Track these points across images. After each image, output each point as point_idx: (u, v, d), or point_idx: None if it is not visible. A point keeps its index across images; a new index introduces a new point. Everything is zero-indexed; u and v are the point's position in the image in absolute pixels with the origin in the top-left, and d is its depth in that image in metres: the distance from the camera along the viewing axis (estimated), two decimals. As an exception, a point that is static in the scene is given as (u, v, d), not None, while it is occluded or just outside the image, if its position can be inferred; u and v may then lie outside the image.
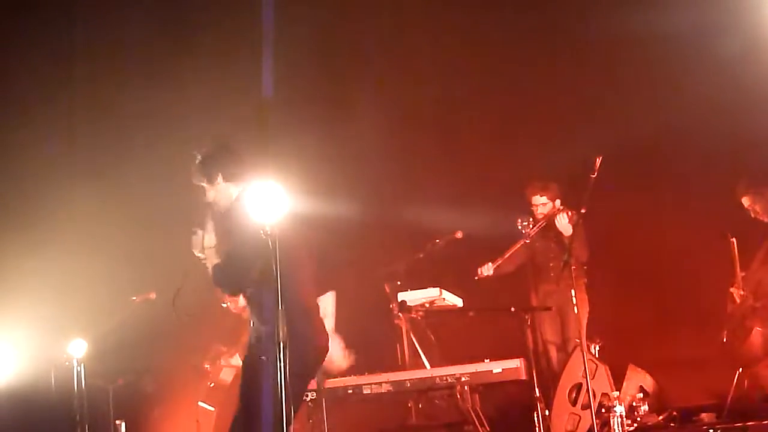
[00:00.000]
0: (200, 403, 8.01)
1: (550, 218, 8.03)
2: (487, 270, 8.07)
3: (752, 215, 7.55)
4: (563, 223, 7.86)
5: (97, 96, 9.53)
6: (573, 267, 6.79)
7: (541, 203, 8.19)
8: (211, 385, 8.25)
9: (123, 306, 7.92)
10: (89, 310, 7.76)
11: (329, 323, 5.53)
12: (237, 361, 8.10)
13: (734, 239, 7.55)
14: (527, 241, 8.07)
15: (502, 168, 9.02)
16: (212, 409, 8.14)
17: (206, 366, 8.29)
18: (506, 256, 8.04)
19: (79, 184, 9.10)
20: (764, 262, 7.60)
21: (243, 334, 7.87)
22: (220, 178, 5.27)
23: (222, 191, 5.29)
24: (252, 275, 5.02)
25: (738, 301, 7.57)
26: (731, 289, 7.58)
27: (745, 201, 7.58)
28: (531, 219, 8.12)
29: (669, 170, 8.71)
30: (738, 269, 7.55)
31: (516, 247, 8.04)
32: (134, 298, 7.87)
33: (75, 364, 7.24)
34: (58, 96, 9.45)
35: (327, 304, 5.60)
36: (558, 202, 8.17)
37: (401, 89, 9.41)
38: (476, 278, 8.10)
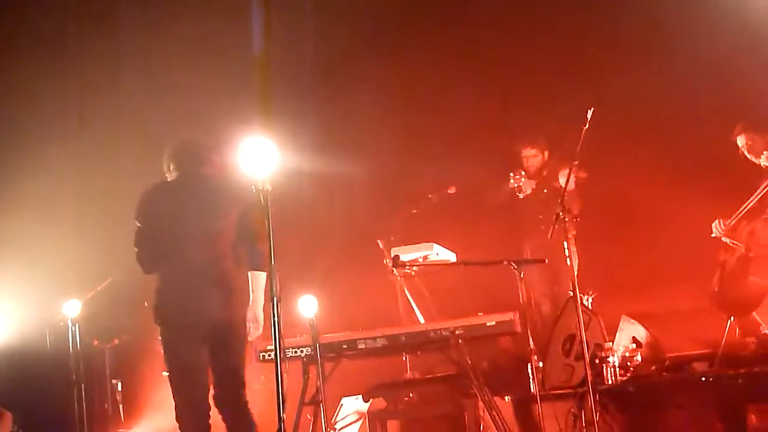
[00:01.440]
0: (165, 373, 8.03)
1: (540, 173, 8.07)
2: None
3: (747, 154, 7.51)
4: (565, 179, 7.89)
5: (92, 49, 9.46)
6: (566, 219, 6.80)
7: (531, 155, 8.22)
8: None
9: (117, 265, 7.91)
10: (83, 270, 7.77)
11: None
12: None
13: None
14: (519, 191, 8.16)
15: (496, 122, 9.02)
16: None
17: None
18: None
19: (72, 145, 9.08)
20: (757, 210, 7.59)
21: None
22: (172, 167, 5.91)
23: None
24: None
25: (730, 250, 7.59)
26: (723, 239, 7.59)
27: (740, 140, 7.54)
28: (523, 172, 8.14)
29: (662, 121, 8.70)
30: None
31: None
32: None
33: (70, 325, 7.26)
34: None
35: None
36: (547, 153, 8.19)
37: (396, 45, 9.36)
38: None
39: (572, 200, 7.70)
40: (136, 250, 5.82)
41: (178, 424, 5.75)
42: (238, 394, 5.83)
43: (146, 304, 6.90)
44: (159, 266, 5.77)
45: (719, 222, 7.54)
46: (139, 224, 5.81)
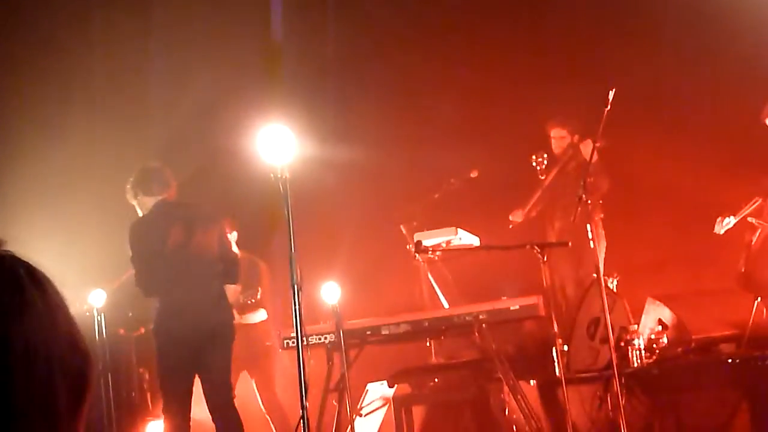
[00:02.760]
0: None
1: (566, 155, 8.04)
2: (518, 217, 8.20)
3: None
4: (587, 150, 7.85)
5: (94, 35, 9.49)
6: (588, 202, 6.76)
7: (560, 136, 8.19)
8: None
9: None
10: (108, 259, 7.80)
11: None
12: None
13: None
14: (541, 174, 8.13)
15: (517, 106, 8.97)
16: None
17: None
18: (531, 204, 8.16)
19: (99, 132, 9.12)
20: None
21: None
22: (140, 194, 6.35)
23: (142, 204, 6.39)
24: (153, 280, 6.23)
25: (756, 230, 7.51)
26: (749, 219, 7.51)
27: None
28: (546, 155, 8.10)
29: (687, 100, 8.62)
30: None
31: (538, 195, 8.15)
32: None
33: (95, 314, 7.29)
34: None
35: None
36: (576, 137, 8.14)
37: (416, 31, 9.33)
38: (510, 227, 8.22)
39: (599, 176, 7.62)
40: (135, 276, 6.34)
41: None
42: (227, 399, 6.29)
43: (130, 314, 7.18)
44: (158, 291, 6.28)
45: (720, 220, 7.50)
46: (132, 253, 6.30)
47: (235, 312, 7.78)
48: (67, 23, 9.35)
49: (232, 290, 6.58)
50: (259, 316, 8.19)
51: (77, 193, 8.84)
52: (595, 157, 7.55)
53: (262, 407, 8.17)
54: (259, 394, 8.16)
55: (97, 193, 8.69)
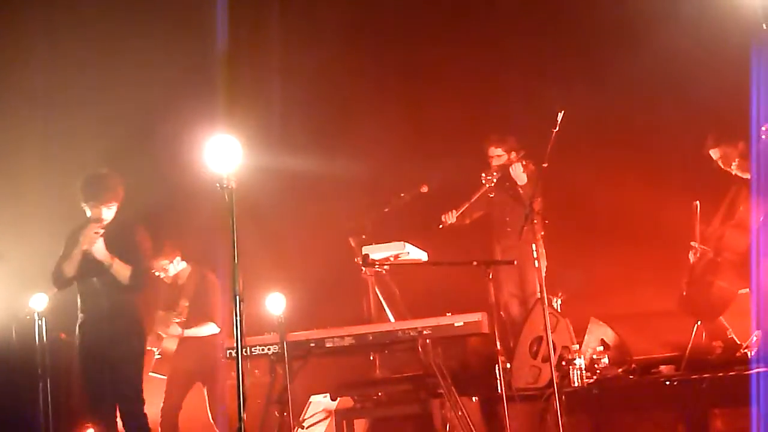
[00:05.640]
0: (151, 373, 8.05)
1: (505, 168, 8.12)
2: (450, 218, 8.20)
3: (722, 165, 7.55)
4: (517, 172, 7.98)
5: (54, 37, 9.39)
6: (534, 221, 6.82)
7: (497, 155, 8.27)
8: (158, 356, 8.28)
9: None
10: (50, 263, 7.71)
11: None
12: (176, 329, 8.13)
13: (698, 203, 7.60)
14: (490, 192, 8.17)
15: (469, 123, 9.03)
16: (163, 377, 8.19)
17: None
18: (467, 205, 8.17)
19: (35, 138, 9.01)
20: (726, 216, 7.64)
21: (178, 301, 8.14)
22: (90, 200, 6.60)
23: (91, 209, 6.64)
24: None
25: (699, 255, 7.63)
26: (692, 243, 7.63)
27: (714, 153, 7.58)
28: (495, 172, 8.19)
29: (632, 126, 8.74)
30: (698, 231, 7.61)
31: (477, 195, 8.16)
32: None
33: (36, 318, 7.19)
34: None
35: None
36: (514, 154, 8.23)
37: (363, 41, 9.34)
38: (440, 227, 8.21)
39: (531, 196, 7.70)
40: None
41: None
42: (138, 408, 6.55)
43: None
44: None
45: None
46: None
47: (173, 327, 7.90)
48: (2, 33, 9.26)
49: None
50: (208, 329, 8.17)
51: (18, 198, 8.73)
52: (522, 171, 7.71)
53: (210, 419, 8.14)
54: (211, 406, 8.15)
55: (38, 198, 8.60)
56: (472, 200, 8.26)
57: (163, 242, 8.11)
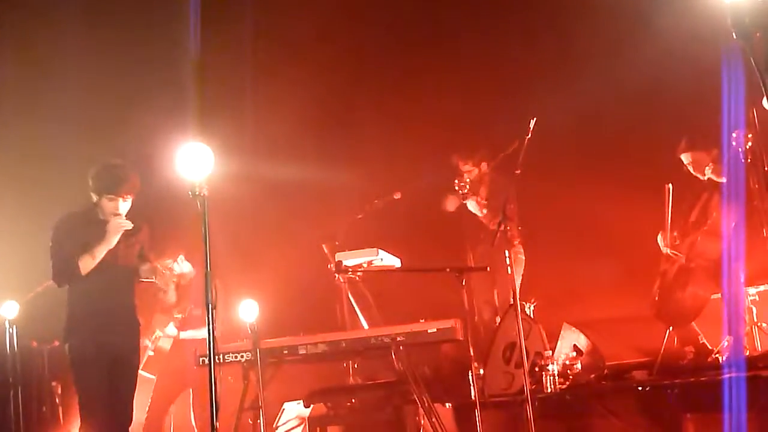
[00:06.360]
0: (141, 372, 7.99)
1: (475, 180, 8.23)
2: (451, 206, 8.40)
3: (693, 171, 7.60)
4: (472, 207, 8.13)
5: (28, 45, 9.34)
6: (507, 228, 6.85)
7: (467, 170, 8.34)
8: (151, 353, 8.23)
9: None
10: (21, 270, 7.65)
11: None
12: (172, 330, 8.08)
13: (670, 186, 7.60)
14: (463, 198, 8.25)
15: (442, 130, 9.05)
16: (153, 377, 8.13)
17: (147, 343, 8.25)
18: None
19: (9, 142, 8.95)
20: (698, 222, 7.68)
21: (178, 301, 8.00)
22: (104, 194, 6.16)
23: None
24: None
25: (671, 260, 7.67)
26: (664, 249, 7.66)
27: (685, 158, 7.62)
28: (467, 179, 8.25)
29: (605, 133, 8.79)
30: (669, 217, 7.63)
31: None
32: None
33: (7, 326, 7.14)
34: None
35: None
36: (484, 165, 8.29)
37: (338, 50, 9.34)
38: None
39: (504, 203, 7.70)
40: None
41: None
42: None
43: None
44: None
45: (661, 235, 7.64)
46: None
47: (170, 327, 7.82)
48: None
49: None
50: (204, 333, 8.10)
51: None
52: (476, 205, 7.77)
53: (193, 424, 8.09)
54: (195, 412, 8.10)
55: (9, 205, 8.53)
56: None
57: (167, 242, 7.99)
